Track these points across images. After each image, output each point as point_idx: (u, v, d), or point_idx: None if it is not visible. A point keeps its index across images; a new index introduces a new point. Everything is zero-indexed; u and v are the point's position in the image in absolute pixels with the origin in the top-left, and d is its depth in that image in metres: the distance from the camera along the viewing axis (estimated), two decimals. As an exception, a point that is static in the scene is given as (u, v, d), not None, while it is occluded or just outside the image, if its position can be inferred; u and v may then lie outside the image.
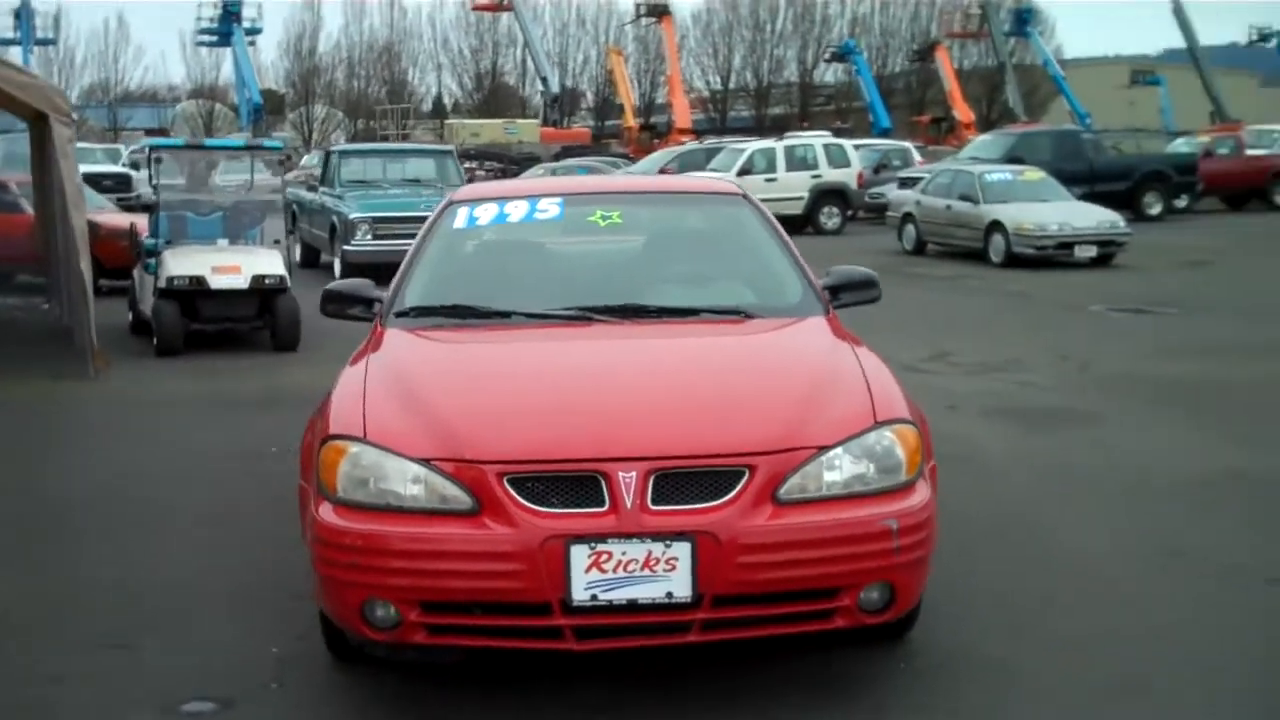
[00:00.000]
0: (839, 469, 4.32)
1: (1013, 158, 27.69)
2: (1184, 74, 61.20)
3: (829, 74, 74.92)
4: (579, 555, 4.08)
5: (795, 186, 28.72)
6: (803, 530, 4.18)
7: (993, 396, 10.24)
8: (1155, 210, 29.50)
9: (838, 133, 40.41)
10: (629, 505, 4.11)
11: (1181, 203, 30.64)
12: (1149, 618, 5.38)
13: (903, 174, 29.70)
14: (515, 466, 4.19)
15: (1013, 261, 20.53)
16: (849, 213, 29.49)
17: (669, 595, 4.11)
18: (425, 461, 4.26)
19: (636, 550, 4.09)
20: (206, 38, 58.60)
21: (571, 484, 4.18)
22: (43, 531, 6.85)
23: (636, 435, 4.28)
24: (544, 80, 58.65)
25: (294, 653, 5.08)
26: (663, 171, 29.56)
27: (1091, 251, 20.65)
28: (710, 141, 36.77)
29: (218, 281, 12.67)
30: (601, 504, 4.14)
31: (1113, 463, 7.99)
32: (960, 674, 4.79)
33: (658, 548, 4.09)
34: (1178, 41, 59.19)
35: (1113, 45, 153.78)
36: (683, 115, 53.97)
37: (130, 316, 14.10)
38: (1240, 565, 6.00)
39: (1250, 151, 34.41)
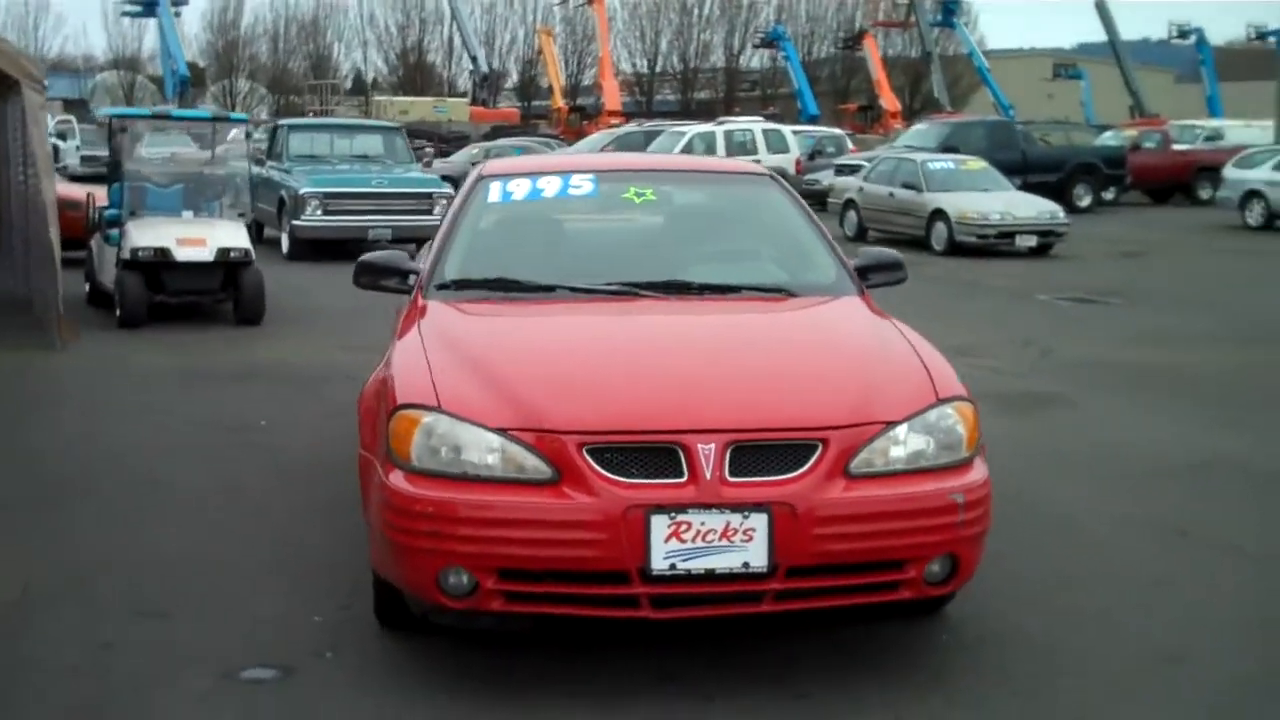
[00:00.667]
0: (904, 444, 4.42)
1: (947, 147, 28.13)
2: (1103, 68, 62.17)
3: (755, 60, 75.33)
4: (659, 525, 4.15)
5: (734, 171, 28.77)
6: (875, 503, 4.28)
7: (964, 380, 10.38)
8: (1085, 202, 30.01)
9: (768, 119, 40.60)
10: (708, 476, 4.19)
11: (1109, 195, 31.23)
12: (1170, 593, 5.53)
13: (839, 161, 29.93)
14: (595, 437, 4.25)
15: (954, 250, 20.81)
16: (787, 198, 29.59)
17: (745, 565, 4.19)
18: (503, 431, 4.31)
19: (715, 521, 4.17)
20: (131, 8, 57.62)
21: (649, 455, 4.24)
22: (49, 505, 6.78)
23: (715, 408, 4.35)
24: (474, 59, 58.38)
25: (339, 621, 5.10)
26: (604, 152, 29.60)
27: (1032, 241, 21.01)
28: (650, 124, 36.81)
29: (183, 254, 12.55)
30: (680, 475, 4.21)
31: (1099, 447, 8.17)
32: (1003, 647, 4.91)
33: (736, 519, 4.17)
34: (1095, 35, 60.16)
35: (1029, 38, 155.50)
36: (612, 98, 53.96)
37: (87, 288, 13.92)
38: (1246, 544, 6.19)
39: (1175, 146, 35.05)
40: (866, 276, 5.81)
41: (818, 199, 27.86)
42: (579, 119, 55.18)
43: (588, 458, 4.22)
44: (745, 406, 4.39)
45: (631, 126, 37.04)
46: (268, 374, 10.51)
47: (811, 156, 32.76)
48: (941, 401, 4.56)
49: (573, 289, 5.45)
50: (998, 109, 56.02)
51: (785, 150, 29.89)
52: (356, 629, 5.00)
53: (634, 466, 4.23)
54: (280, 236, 19.04)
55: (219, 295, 12.90)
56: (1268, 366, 11.28)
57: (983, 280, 17.81)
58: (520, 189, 6.02)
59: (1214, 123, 40.30)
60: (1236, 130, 38.79)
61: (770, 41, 63.51)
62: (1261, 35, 62.25)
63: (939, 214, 21.45)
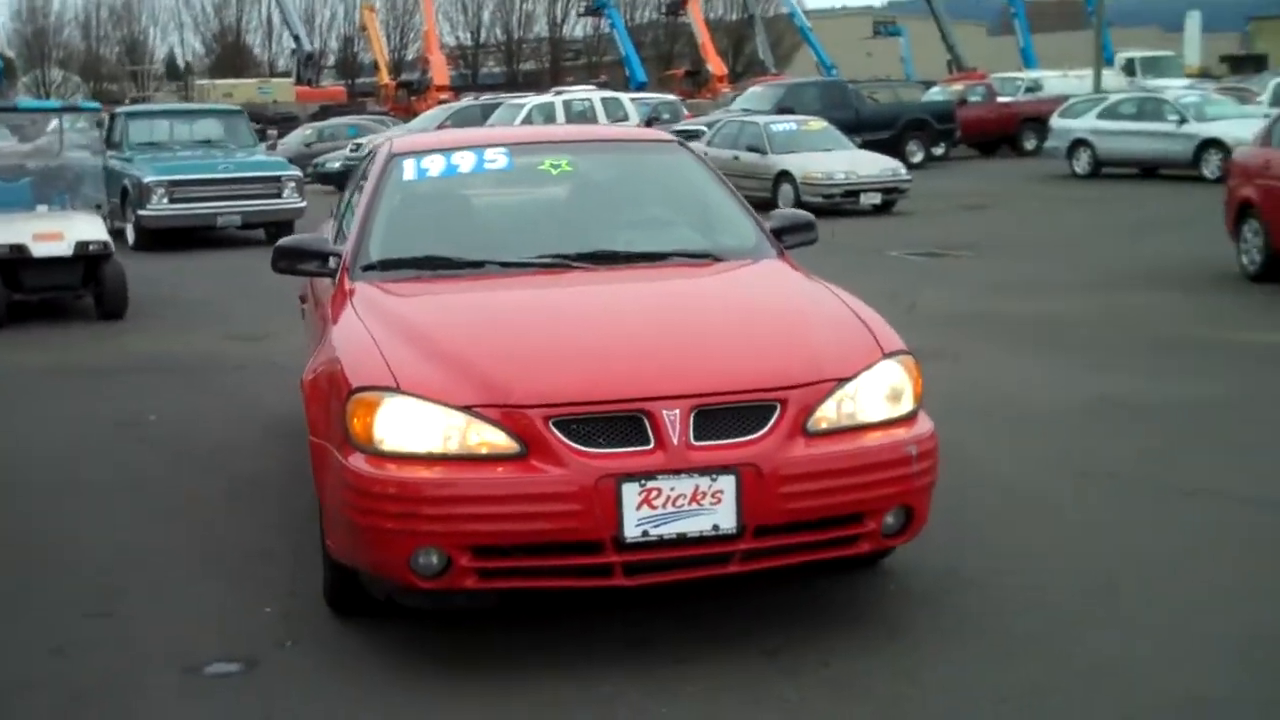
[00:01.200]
0: (855, 400, 4.54)
1: (782, 108, 28.51)
2: (921, 24, 63.34)
3: (579, 29, 75.26)
4: (630, 493, 4.21)
5: (576, 141, 28.78)
6: (836, 459, 4.39)
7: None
8: (918, 158, 30.56)
9: (599, 87, 40.60)
10: (675, 442, 4.26)
11: (940, 150, 31.90)
12: (1088, 528, 5.76)
13: (676, 127, 30.09)
14: (560, 409, 4.29)
15: (802, 210, 21.07)
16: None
17: (715, 528, 4.28)
18: (467, 409, 4.32)
19: (684, 485, 4.24)
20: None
21: (614, 424, 4.30)
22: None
23: (677, 374, 4.42)
24: (296, 39, 57.43)
25: (289, 610, 5.07)
26: (441, 128, 29.37)
27: (876, 199, 21.42)
28: (486, 97, 36.58)
29: (40, 249, 12.19)
30: (646, 442, 4.27)
31: (988, 393, 8.42)
32: (951, 592, 5.07)
33: (704, 482, 4.25)
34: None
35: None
36: (440, 72, 53.47)
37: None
38: (1150, 479, 6.47)
39: (999, 99, 35.92)
40: (781, 238, 5.91)
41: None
42: (406, 95, 54.62)
43: (555, 430, 4.27)
44: (705, 371, 4.46)
45: (469, 100, 36.77)
46: (144, 367, 10.31)
47: (649, 123, 32.84)
48: (887, 356, 4.69)
49: (502, 264, 5.47)
50: (820, 69, 56.72)
51: (625, 118, 29.93)
52: (310, 617, 4.98)
53: (600, 436, 4.28)
54: (125, 228, 18.56)
55: (79, 291, 12.56)
56: (1123, 309, 11.68)
57: (833, 238, 18.08)
58: (435, 165, 6.00)
59: (1033, 74, 41.31)
60: (1055, 81, 39.82)
61: (595, 9, 63.42)
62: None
63: (784, 175, 21.78)
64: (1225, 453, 6.96)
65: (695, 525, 4.27)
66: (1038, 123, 34.85)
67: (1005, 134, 35.00)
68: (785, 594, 4.96)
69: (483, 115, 30.31)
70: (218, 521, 6.28)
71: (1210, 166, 24.57)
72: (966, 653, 4.55)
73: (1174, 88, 32.66)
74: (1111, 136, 26.72)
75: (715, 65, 57.25)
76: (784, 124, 23.50)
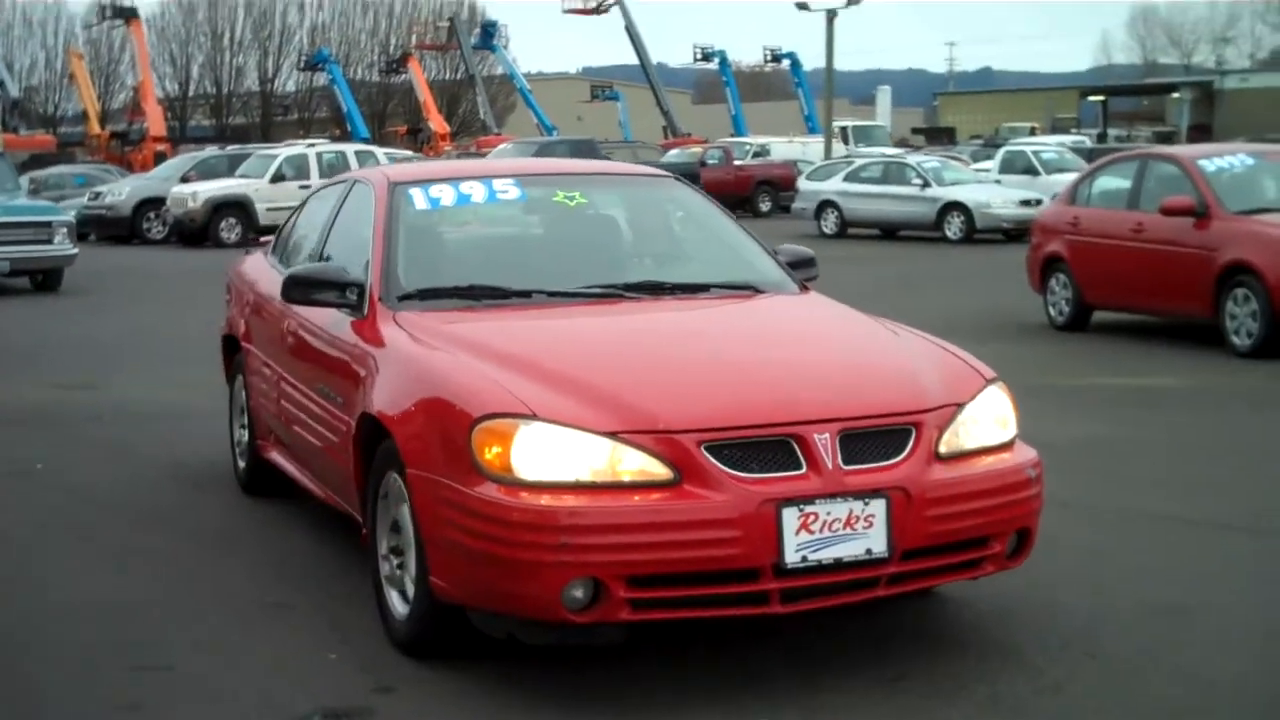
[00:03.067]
0: (974, 425, 4.59)
1: (537, 165, 28.79)
2: (635, 90, 64.92)
3: (290, 83, 74.00)
4: (790, 518, 4.15)
5: (330, 194, 28.25)
6: (971, 482, 4.43)
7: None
8: (667, 216, 31.11)
9: (333, 141, 40.00)
10: (829, 466, 4.21)
11: (684, 210, 32.53)
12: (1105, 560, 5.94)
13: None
14: (712, 434, 4.20)
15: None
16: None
17: (868, 552, 4.25)
18: (612, 435, 4.19)
19: (840, 510, 4.20)
20: None
21: (764, 449, 4.23)
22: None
23: (823, 397, 4.39)
24: (2, 84, 54.73)
25: (366, 657, 4.78)
26: (185, 180, 28.53)
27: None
28: (233, 148, 35.52)
29: None
30: (798, 466, 4.22)
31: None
32: (1030, 616, 5.12)
33: (858, 506, 4.22)
34: (625, 58, 62.71)
35: (558, 62, 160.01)
36: (157, 122, 51.67)
37: None
38: (1111, 504, 6.71)
39: (736, 162, 37.01)
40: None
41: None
42: (120, 145, 52.60)
43: (708, 455, 4.17)
44: (849, 394, 4.45)
45: (213, 150, 35.62)
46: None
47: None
48: (989, 383, 4.76)
49: (549, 293, 5.33)
50: (541, 129, 57.41)
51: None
52: (392, 664, 4.70)
53: (753, 462, 4.21)
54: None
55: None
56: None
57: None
58: (446, 195, 5.80)
59: (760, 139, 42.68)
60: (781, 146, 41.39)
61: (315, 64, 62.56)
62: (777, 58, 66.55)
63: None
64: (1156, 483, 7.28)
65: (850, 550, 4.23)
66: (770, 185, 36.11)
67: (741, 195, 36.00)
68: (862, 620, 4.95)
69: (230, 165, 29.47)
70: (197, 573, 5.88)
71: (953, 228, 25.90)
72: (1086, 672, 4.61)
73: (901, 153, 34.30)
74: (858, 198, 27.83)
75: (437, 123, 57.17)
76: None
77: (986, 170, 30.22)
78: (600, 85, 68.49)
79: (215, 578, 5.80)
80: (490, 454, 4.22)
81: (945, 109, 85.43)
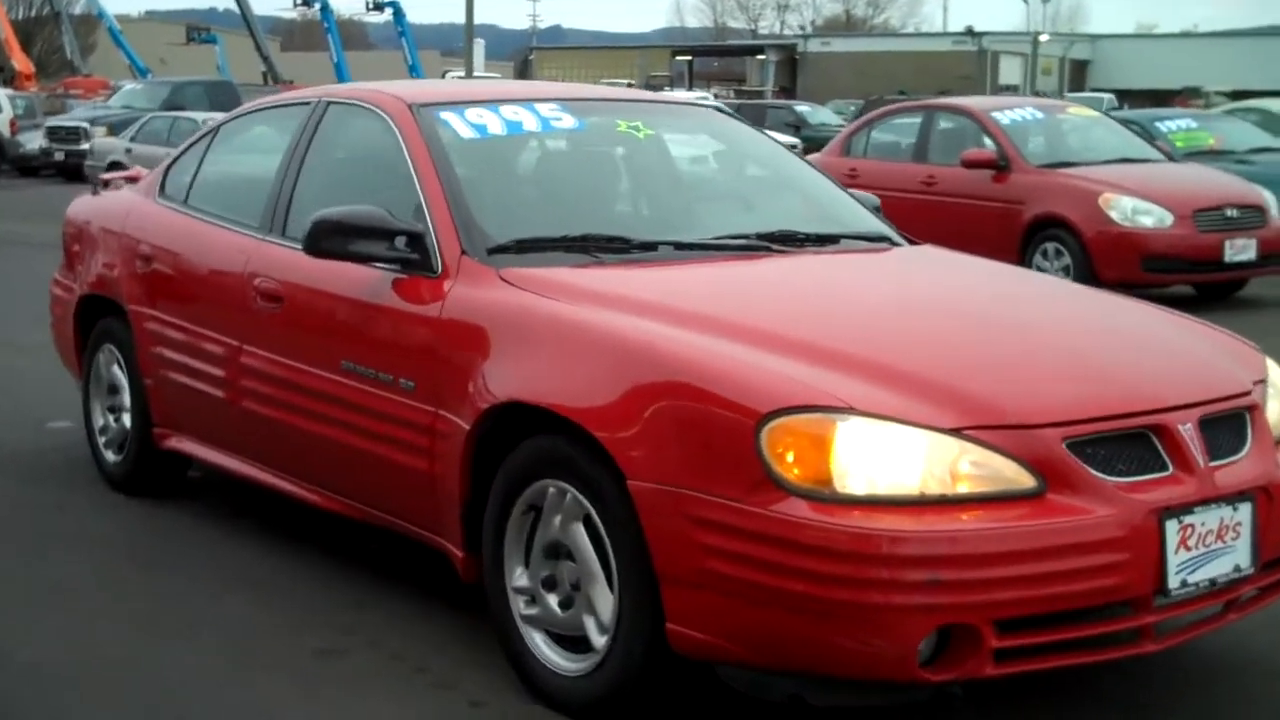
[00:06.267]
0: (1276, 402, 3.82)
1: (172, 105, 26.84)
2: (234, 36, 61.92)
3: None
4: (1171, 532, 3.26)
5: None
6: None
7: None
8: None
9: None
10: (1200, 464, 3.35)
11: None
12: None
13: (51, 123, 27.32)
14: (1076, 428, 3.26)
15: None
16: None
17: (1236, 568, 3.41)
18: (955, 432, 3.18)
19: (1212, 519, 3.35)
20: None
21: (1124, 444, 3.33)
22: None
23: (1175, 376, 3.54)
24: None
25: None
26: None
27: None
28: None
29: None
30: (1163, 466, 3.34)
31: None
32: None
33: (1227, 513, 3.38)
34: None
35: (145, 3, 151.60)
36: None
37: None
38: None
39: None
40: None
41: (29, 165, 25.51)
42: None
43: (1075, 456, 3.23)
44: (1193, 371, 3.62)
45: None
46: None
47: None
48: (1258, 351, 4.01)
49: (677, 245, 4.24)
50: (133, 71, 53.96)
51: (-1, 110, 26.57)
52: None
53: (1119, 462, 3.30)
54: None
55: None
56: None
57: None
58: (491, 122, 4.57)
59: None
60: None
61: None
62: (379, 6, 64.55)
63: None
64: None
65: (1221, 568, 3.38)
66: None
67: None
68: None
69: None
70: (166, 607, 4.49)
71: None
72: None
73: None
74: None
75: (21, 62, 52.39)
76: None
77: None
78: (197, 27, 64.44)
79: (199, 613, 4.42)
80: (796, 460, 3.15)
81: (541, 63, 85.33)
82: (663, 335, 3.50)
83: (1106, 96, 46.10)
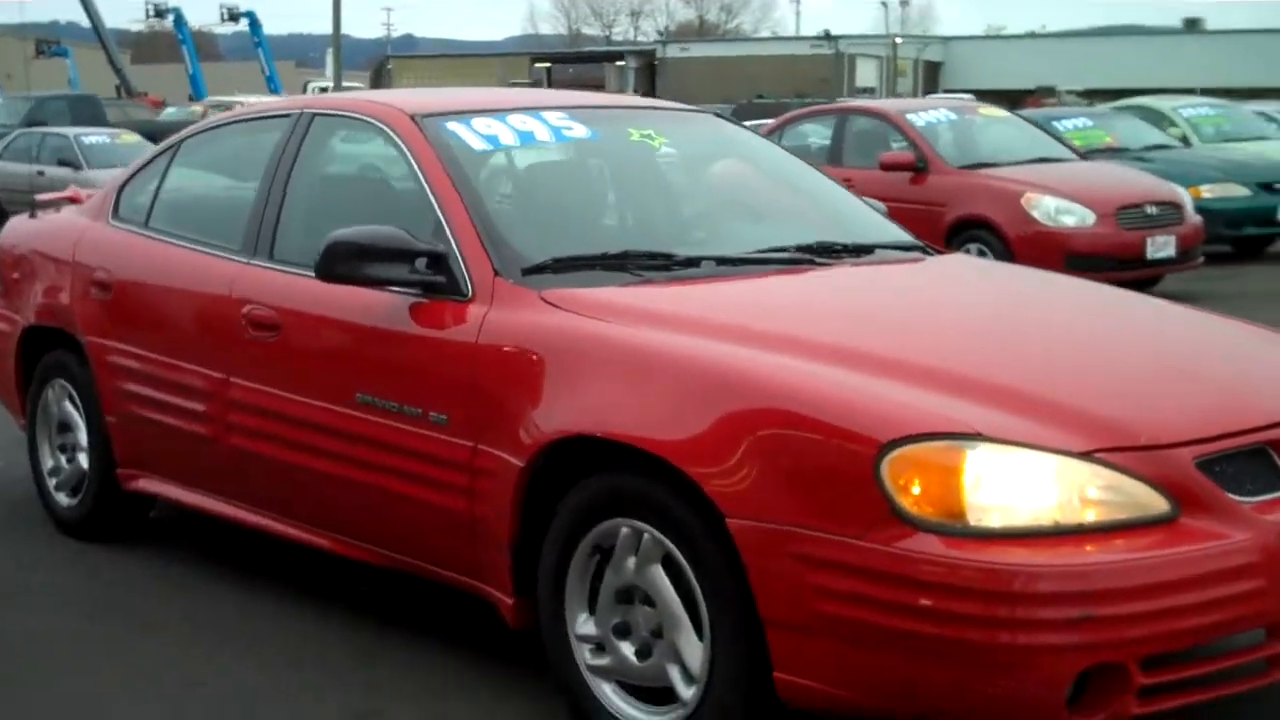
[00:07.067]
0: None
1: (33, 120, 25.90)
2: (86, 50, 60.52)
3: None
4: None
5: None
6: None
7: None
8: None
9: None
10: None
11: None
12: None
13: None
14: (1205, 447, 3.07)
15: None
16: None
17: None
18: (1086, 455, 2.97)
19: None
20: None
21: (1244, 462, 3.15)
22: None
23: (1270, 391, 3.36)
24: None
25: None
26: None
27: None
28: None
29: None
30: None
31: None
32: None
33: None
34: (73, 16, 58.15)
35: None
36: None
37: None
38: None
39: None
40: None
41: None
42: None
43: (1207, 476, 3.04)
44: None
45: None
46: None
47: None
48: None
49: (719, 260, 3.98)
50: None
51: None
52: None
53: (1245, 481, 3.12)
54: None
55: None
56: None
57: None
58: (502, 133, 4.27)
59: (253, 98, 40.34)
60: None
61: None
62: (235, 16, 63.51)
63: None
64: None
65: None
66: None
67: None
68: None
69: None
70: (170, 665, 4.13)
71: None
72: None
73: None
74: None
75: None
76: (97, 136, 20.97)
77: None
78: (48, 40, 62.58)
79: (199, 673, 4.05)
80: (920, 493, 2.91)
81: (400, 72, 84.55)
82: (752, 358, 3.25)
83: (966, 96, 46.91)
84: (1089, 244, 10.86)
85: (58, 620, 4.53)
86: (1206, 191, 13.36)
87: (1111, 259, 10.91)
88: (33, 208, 5.90)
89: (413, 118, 4.25)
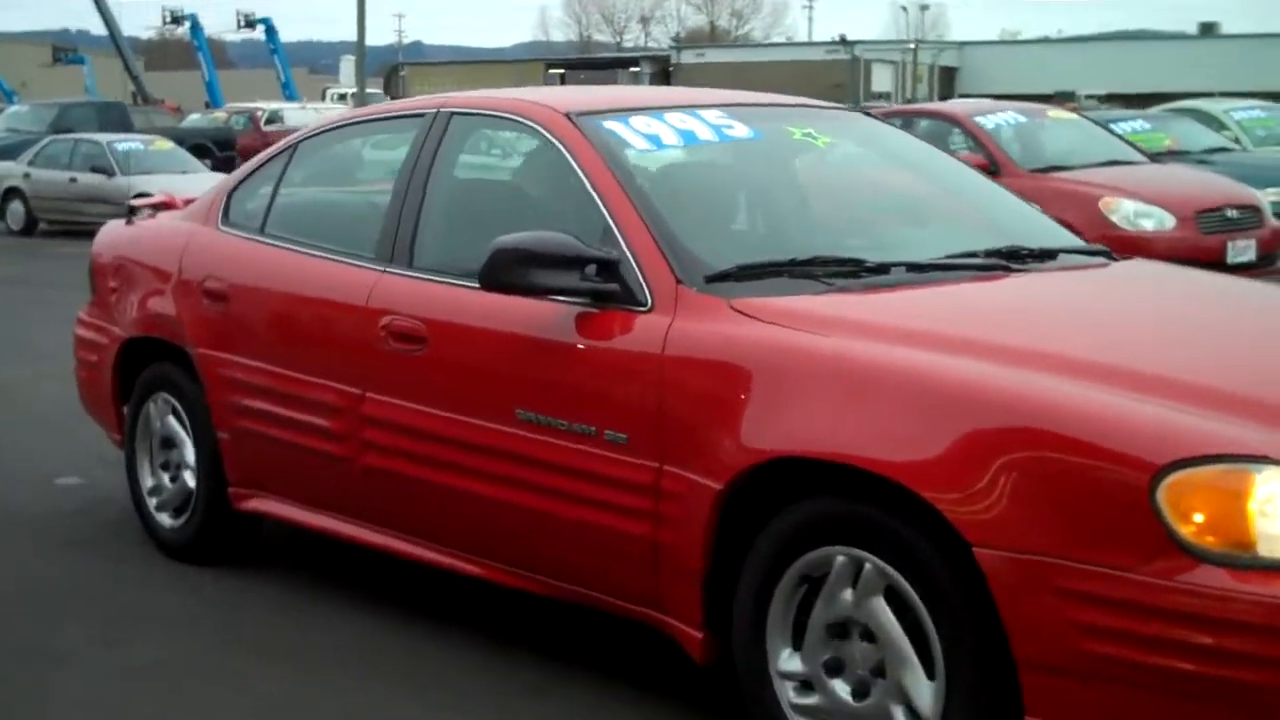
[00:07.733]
0: None
1: (59, 128, 25.62)
2: (101, 57, 60.46)
3: None
4: None
5: None
6: None
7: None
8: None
9: None
10: None
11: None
12: None
13: None
14: None
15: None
16: None
17: None
18: None
19: None
20: None
21: None
22: None
23: None
24: None
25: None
26: None
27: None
28: None
29: None
30: None
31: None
32: None
33: None
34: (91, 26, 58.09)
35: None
36: None
37: None
38: None
39: (265, 128, 34.75)
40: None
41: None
42: None
43: None
44: None
45: None
46: None
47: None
48: None
49: (909, 266, 3.71)
50: (-1, 92, 52.56)
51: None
52: None
53: None
54: None
55: None
56: None
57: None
58: (665, 133, 4.00)
59: (274, 105, 40.29)
60: (294, 113, 39.10)
61: None
62: (251, 23, 63.45)
63: (142, 197, 19.07)
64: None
65: None
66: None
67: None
68: None
69: None
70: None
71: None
72: None
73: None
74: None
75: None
76: (130, 143, 20.74)
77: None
78: (64, 48, 62.57)
79: (350, 710, 3.78)
80: (1203, 521, 2.64)
81: (414, 79, 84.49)
82: (995, 373, 2.97)
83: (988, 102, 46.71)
84: (1169, 248, 10.53)
85: (172, 649, 4.25)
86: (1273, 195, 13.08)
87: (1192, 263, 10.62)
88: (129, 212, 5.64)
89: (569, 116, 3.98)
